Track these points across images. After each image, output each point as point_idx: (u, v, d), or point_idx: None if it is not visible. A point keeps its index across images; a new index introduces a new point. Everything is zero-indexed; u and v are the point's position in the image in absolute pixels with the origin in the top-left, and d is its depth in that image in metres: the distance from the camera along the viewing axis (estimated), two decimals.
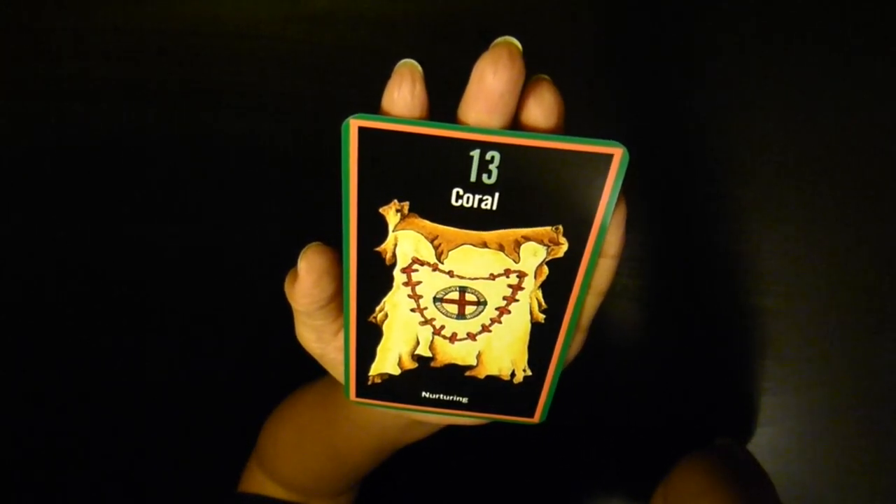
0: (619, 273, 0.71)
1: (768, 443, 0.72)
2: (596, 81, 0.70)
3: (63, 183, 0.77)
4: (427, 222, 0.24)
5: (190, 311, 0.77)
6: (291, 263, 0.27)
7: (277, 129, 0.74)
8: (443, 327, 0.28)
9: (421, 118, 0.22)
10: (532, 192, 0.23)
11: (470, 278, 0.26)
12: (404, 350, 0.29)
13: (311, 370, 0.43)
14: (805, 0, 0.67)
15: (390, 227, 0.25)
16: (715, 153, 0.69)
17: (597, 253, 0.25)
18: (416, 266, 0.26)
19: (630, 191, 0.71)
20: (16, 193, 0.77)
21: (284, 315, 0.29)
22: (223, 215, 0.75)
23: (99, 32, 0.74)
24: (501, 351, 0.28)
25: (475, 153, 0.22)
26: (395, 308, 0.27)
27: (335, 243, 0.26)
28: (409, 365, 0.29)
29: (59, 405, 0.80)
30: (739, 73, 0.68)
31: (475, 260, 0.25)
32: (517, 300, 0.27)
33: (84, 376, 0.79)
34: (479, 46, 0.22)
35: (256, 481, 0.55)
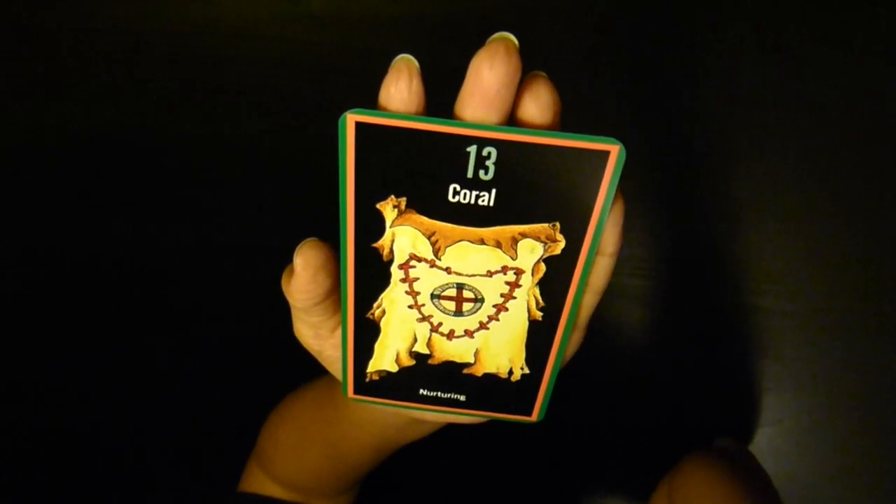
0: (619, 272, 0.71)
1: (768, 443, 0.72)
2: (597, 79, 0.70)
3: (62, 182, 0.77)
4: (424, 218, 0.24)
5: (189, 311, 0.77)
6: (291, 262, 0.27)
7: (277, 128, 0.74)
8: (440, 324, 0.28)
9: (418, 114, 0.22)
10: (529, 189, 0.23)
11: (467, 275, 0.26)
12: (402, 347, 0.29)
13: (310, 369, 0.43)
14: None
15: (387, 223, 0.24)
16: (715, 152, 0.69)
17: (594, 250, 0.25)
18: (413, 262, 0.26)
19: (630, 190, 0.71)
20: (15, 192, 0.78)
21: (285, 314, 0.29)
22: (223, 214, 0.75)
23: (99, 32, 0.75)
24: (499, 349, 0.28)
25: (472, 149, 0.22)
26: (393, 305, 0.27)
27: (334, 241, 0.26)
28: (407, 362, 0.29)
29: (59, 404, 0.80)
30: (740, 71, 0.68)
31: (472, 257, 0.25)
32: (514, 297, 0.26)
33: (83, 375, 0.80)
34: (478, 46, 0.22)
35: (256, 481, 0.55)
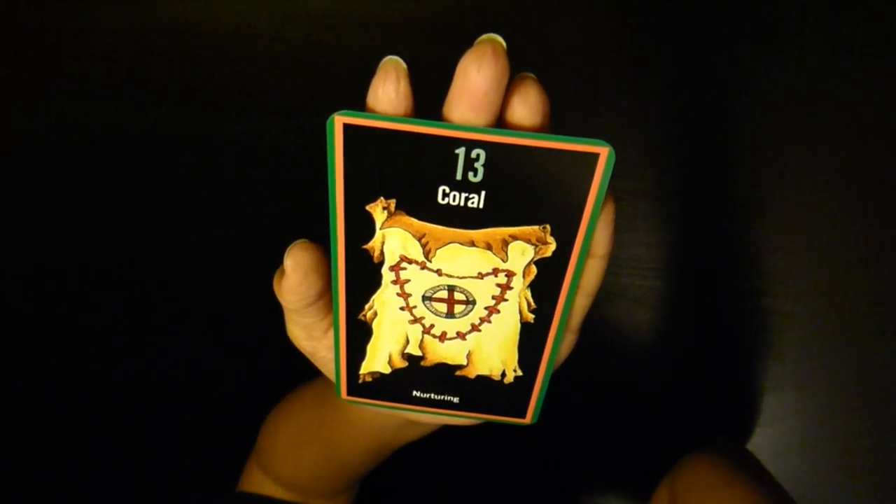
0: (619, 273, 0.71)
1: (768, 443, 0.72)
2: (597, 79, 0.70)
3: (63, 183, 0.77)
4: (414, 220, 0.24)
5: (189, 311, 0.77)
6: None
7: (277, 129, 0.74)
8: (432, 326, 0.27)
9: (406, 115, 0.22)
10: (518, 191, 0.23)
11: (458, 277, 0.26)
12: (394, 349, 0.29)
13: (309, 370, 0.43)
14: None
15: (377, 225, 0.24)
16: (715, 153, 0.69)
17: (585, 253, 0.25)
18: (404, 264, 0.26)
19: (630, 190, 0.71)
20: (15, 193, 0.78)
21: (283, 314, 0.29)
22: (222, 215, 0.75)
23: (99, 32, 0.75)
24: (491, 351, 0.28)
25: (460, 151, 0.22)
26: (384, 306, 0.27)
27: (327, 241, 0.26)
28: (400, 364, 0.29)
29: (59, 404, 0.81)
30: (741, 71, 0.68)
31: (463, 259, 0.25)
32: (506, 300, 0.26)
33: (84, 375, 0.80)
34: None
35: (256, 481, 0.55)
